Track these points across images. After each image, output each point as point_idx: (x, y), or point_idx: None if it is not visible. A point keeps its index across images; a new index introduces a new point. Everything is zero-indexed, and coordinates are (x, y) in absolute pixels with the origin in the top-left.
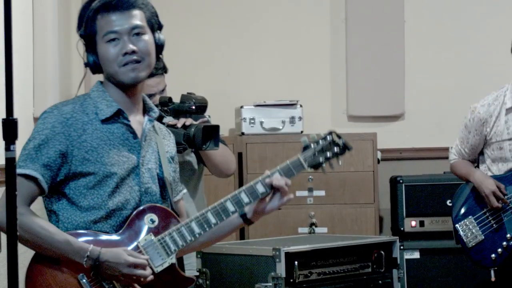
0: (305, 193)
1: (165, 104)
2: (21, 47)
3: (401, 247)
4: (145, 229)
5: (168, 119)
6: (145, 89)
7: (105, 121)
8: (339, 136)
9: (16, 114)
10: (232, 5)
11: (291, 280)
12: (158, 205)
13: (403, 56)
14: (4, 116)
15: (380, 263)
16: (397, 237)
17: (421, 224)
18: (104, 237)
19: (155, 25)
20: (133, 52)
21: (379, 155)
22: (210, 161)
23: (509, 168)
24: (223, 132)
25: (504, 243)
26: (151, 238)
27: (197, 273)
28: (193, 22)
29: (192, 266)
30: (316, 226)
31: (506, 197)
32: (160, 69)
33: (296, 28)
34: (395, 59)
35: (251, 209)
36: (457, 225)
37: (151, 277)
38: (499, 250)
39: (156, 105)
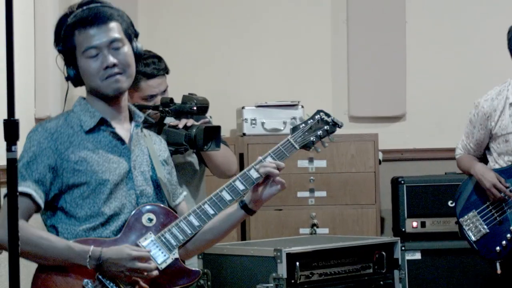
0: (306, 194)
1: (167, 105)
2: (22, 48)
3: (403, 248)
4: (144, 229)
5: (170, 120)
6: (146, 90)
7: (90, 131)
8: (327, 114)
9: (17, 115)
10: (232, 5)
11: (293, 281)
12: (153, 203)
13: (405, 56)
14: (6, 117)
15: (382, 264)
16: (399, 238)
17: (423, 224)
18: (104, 240)
19: (132, 35)
20: (114, 65)
21: (380, 155)
22: (212, 161)
23: None
24: (224, 133)
25: (508, 235)
26: (151, 237)
27: None
28: (193, 22)
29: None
30: (317, 227)
31: (508, 189)
32: (161, 70)
33: (297, 28)
34: (396, 60)
35: (249, 197)
36: (460, 220)
37: (156, 272)
38: (504, 242)
39: (158, 106)
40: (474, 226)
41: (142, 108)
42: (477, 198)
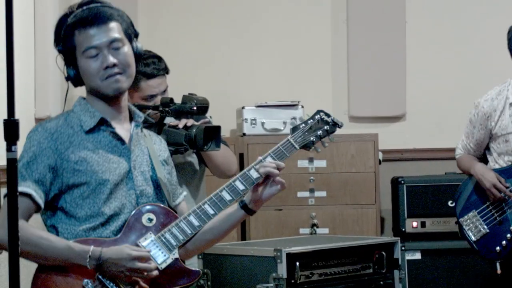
0: (306, 193)
1: (167, 105)
2: (22, 48)
3: (403, 248)
4: (144, 229)
5: (170, 120)
6: (147, 90)
7: (90, 131)
8: (327, 114)
9: (17, 115)
10: (232, 5)
11: (293, 281)
12: (153, 203)
13: (405, 56)
14: (6, 117)
15: (382, 264)
16: (399, 238)
17: (423, 225)
18: (104, 240)
19: (132, 35)
20: (114, 65)
21: (380, 155)
22: (212, 161)
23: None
24: (224, 133)
25: (508, 235)
26: (151, 237)
27: None
28: (193, 22)
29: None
30: (317, 227)
31: (508, 189)
32: (161, 70)
33: (296, 28)
34: (396, 60)
35: (249, 197)
36: (460, 220)
37: (155, 272)
38: (504, 242)
39: (158, 106)
40: (474, 226)
41: (142, 108)
42: (477, 198)
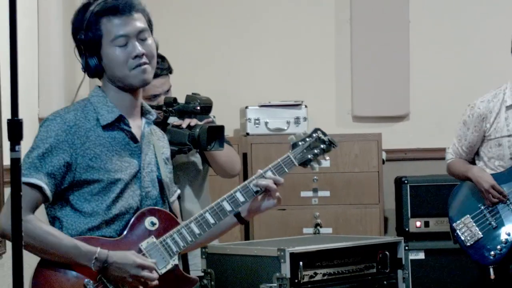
0: (310, 193)
1: (170, 104)
2: (25, 47)
3: (406, 248)
4: (146, 232)
5: (173, 120)
6: (150, 89)
7: (106, 127)
8: (324, 133)
9: (21, 115)
10: (232, 5)
11: (296, 281)
12: (158, 208)
13: (408, 56)
14: (9, 117)
15: (385, 263)
16: (402, 238)
17: (426, 224)
18: (107, 241)
19: (152, 27)
20: (143, 54)
21: (384, 155)
22: (215, 161)
23: (505, 165)
24: (228, 133)
25: (503, 239)
26: (153, 241)
27: (202, 274)
28: (193, 22)
29: (196, 267)
30: (321, 227)
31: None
32: (165, 70)
33: (300, 28)
34: (399, 60)
35: (246, 208)
36: (454, 225)
37: (156, 282)
38: (498, 247)
39: (161, 106)
40: (469, 231)
41: None
42: (471, 202)
